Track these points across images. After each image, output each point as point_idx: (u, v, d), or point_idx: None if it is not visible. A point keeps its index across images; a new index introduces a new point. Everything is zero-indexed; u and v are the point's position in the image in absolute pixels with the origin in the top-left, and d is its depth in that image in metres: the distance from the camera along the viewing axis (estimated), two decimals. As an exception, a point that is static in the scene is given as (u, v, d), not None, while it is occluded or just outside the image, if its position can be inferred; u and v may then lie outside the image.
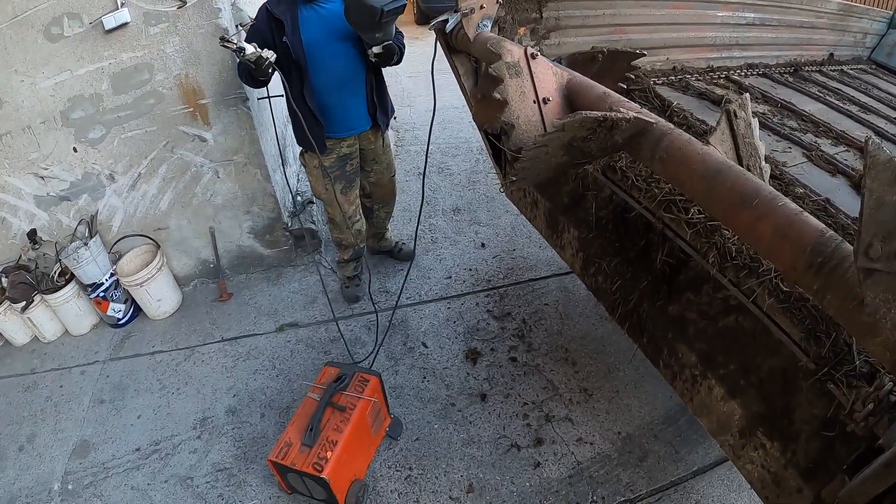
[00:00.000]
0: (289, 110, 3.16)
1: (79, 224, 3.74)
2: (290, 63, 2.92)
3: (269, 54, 2.77)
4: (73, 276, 3.78)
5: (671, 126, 1.58)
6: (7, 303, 3.73)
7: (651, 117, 1.60)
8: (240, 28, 3.15)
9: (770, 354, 1.66)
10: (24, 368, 3.75)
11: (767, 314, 1.58)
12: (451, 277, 4.03)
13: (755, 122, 1.70)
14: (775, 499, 1.65)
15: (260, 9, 2.94)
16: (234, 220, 3.97)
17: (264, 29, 2.89)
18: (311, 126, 3.05)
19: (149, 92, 3.35)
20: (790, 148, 2.52)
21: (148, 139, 3.52)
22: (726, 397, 1.80)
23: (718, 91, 2.91)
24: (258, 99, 3.65)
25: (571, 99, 1.83)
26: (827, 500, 1.42)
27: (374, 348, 3.29)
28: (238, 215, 3.95)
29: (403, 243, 4.27)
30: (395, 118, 3.39)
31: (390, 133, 3.51)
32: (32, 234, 3.76)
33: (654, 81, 2.81)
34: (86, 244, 3.62)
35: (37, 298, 3.74)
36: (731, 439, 1.80)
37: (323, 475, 2.39)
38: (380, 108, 3.27)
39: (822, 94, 3.27)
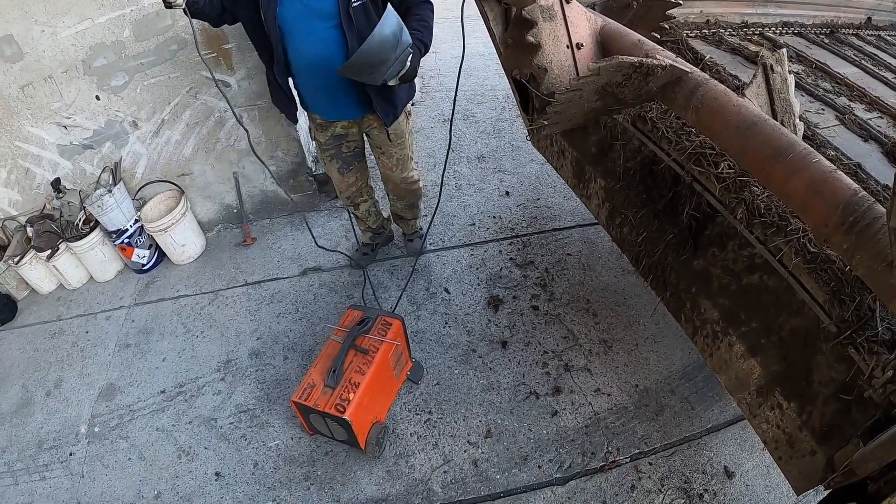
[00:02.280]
0: None
1: (102, 171, 3.75)
2: (262, 33, 2.60)
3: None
4: (97, 224, 3.82)
5: (707, 77, 1.56)
6: (32, 252, 3.78)
7: (687, 66, 1.57)
8: None
9: (792, 315, 1.65)
10: (51, 315, 3.83)
11: (793, 274, 1.57)
12: (474, 224, 4.02)
13: (791, 79, 1.65)
14: (788, 459, 1.67)
15: None
16: (257, 164, 3.96)
17: None
18: (279, 97, 2.84)
19: (171, 38, 3.31)
20: (823, 109, 2.45)
21: (171, 85, 3.50)
22: (746, 355, 1.80)
23: (752, 47, 2.82)
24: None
25: (605, 45, 1.80)
26: (839, 464, 1.43)
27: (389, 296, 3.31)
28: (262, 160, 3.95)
29: (419, 235, 3.78)
30: (412, 104, 2.97)
31: (404, 124, 3.02)
32: (56, 183, 3.78)
33: (686, 34, 2.72)
34: (110, 191, 3.63)
35: (62, 246, 3.78)
36: (749, 397, 1.81)
37: (345, 416, 2.45)
38: (380, 99, 2.74)
39: (857, 58, 3.14)
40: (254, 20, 2.58)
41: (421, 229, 3.80)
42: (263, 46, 2.66)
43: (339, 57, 2.55)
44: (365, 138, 3.12)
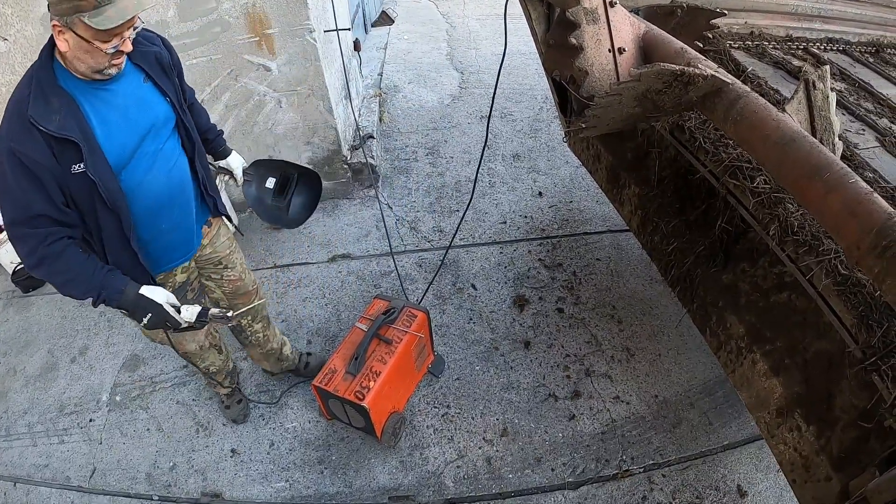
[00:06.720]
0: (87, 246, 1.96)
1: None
2: (94, 199, 1.77)
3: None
4: (131, 199, 3.87)
5: (748, 89, 1.54)
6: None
7: (728, 78, 1.56)
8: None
9: (818, 336, 1.63)
10: (81, 285, 3.91)
11: (822, 295, 1.55)
12: (505, 223, 4.02)
13: (833, 97, 1.63)
14: (803, 483, 1.64)
15: (7, 123, 1.64)
16: (293, 150, 4.01)
17: (38, 159, 1.61)
18: (134, 274, 1.94)
19: (215, 20, 3.34)
20: (863, 130, 2.39)
21: (212, 67, 3.53)
22: (769, 374, 1.78)
23: (795, 62, 2.76)
24: (324, 31, 3.61)
25: (647, 51, 1.79)
26: (854, 492, 1.40)
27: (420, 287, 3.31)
28: (298, 146, 3.98)
29: (309, 354, 3.15)
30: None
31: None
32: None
33: (729, 44, 2.68)
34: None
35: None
36: (768, 417, 1.79)
37: (364, 404, 2.47)
38: (219, 197, 2.38)
39: (902, 80, 3.04)
40: (90, 189, 1.75)
41: (303, 352, 3.15)
42: (104, 219, 1.84)
43: (184, 171, 2.10)
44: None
